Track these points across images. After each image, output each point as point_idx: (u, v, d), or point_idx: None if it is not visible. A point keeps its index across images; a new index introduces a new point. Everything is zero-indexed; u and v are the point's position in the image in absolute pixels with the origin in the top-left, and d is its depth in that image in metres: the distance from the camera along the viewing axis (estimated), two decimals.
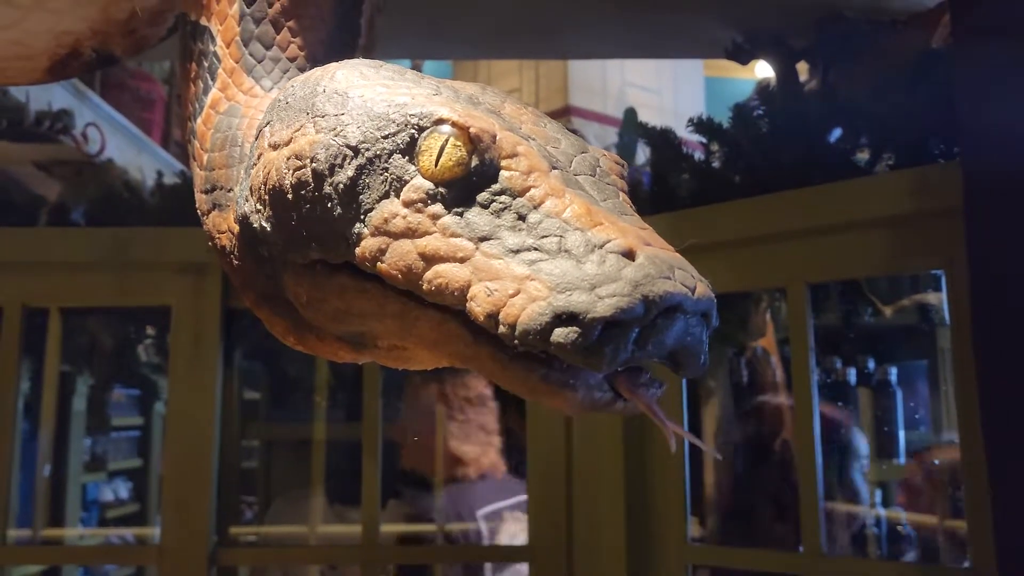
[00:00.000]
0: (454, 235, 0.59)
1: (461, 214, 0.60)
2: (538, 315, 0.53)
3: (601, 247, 0.55)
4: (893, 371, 2.42)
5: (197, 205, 0.86)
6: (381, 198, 0.62)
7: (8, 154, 2.75)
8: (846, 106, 1.78)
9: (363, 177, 0.63)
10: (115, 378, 2.63)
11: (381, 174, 0.62)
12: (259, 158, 0.70)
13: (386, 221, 0.61)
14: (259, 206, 0.69)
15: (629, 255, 0.55)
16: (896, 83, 1.73)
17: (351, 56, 0.83)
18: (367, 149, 0.63)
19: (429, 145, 0.61)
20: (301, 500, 2.43)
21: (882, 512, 2.38)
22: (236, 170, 0.79)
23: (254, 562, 2.24)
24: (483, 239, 0.58)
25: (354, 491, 1.98)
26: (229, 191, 0.80)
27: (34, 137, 2.75)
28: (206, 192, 0.83)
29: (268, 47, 0.86)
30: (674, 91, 5.19)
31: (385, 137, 0.62)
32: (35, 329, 1.90)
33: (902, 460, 2.38)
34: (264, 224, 0.69)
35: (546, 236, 0.57)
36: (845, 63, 1.97)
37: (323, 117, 0.66)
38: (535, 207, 0.59)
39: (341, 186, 0.63)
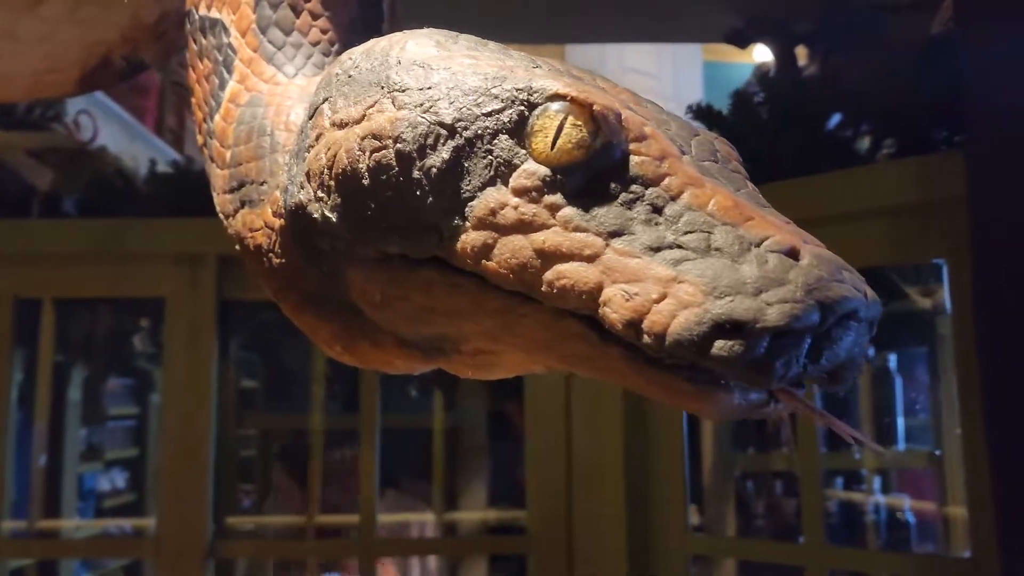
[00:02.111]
0: (578, 229, 0.51)
1: (584, 205, 0.52)
2: (694, 324, 0.47)
3: (758, 245, 0.49)
4: (892, 358, 2.41)
5: (219, 208, 0.79)
6: (485, 185, 0.54)
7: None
8: (847, 92, 1.76)
9: (462, 160, 0.54)
10: (111, 367, 2.62)
11: (484, 157, 0.54)
12: (318, 139, 0.62)
13: (493, 212, 0.53)
14: (321, 193, 0.61)
15: (792, 254, 0.48)
16: (898, 69, 1.71)
17: (377, 27, 0.78)
18: (464, 128, 0.55)
19: (543, 124, 0.53)
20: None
21: (882, 499, 2.38)
22: (268, 160, 0.73)
23: (252, 553, 2.24)
24: (613, 234, 0.51)
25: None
26: (262, 184, 0.73)
27: (26, 125, 2.72)
28: (231, 191, 0.77)
29: (288, 33, 0.81)
30: (673, 76, 5.16)
31: (488, 115, 0.54)
32: (29, 320, 1.88)
33: (902, 447, 2.37)
34: (328, 213, 0.60)
35: (690, 232, 0.50)
36: (846, 48, 1.95)
37: (404, 92, 0.57)
38: (672, 198, 0.51)
39: (434, 170, 0.55)
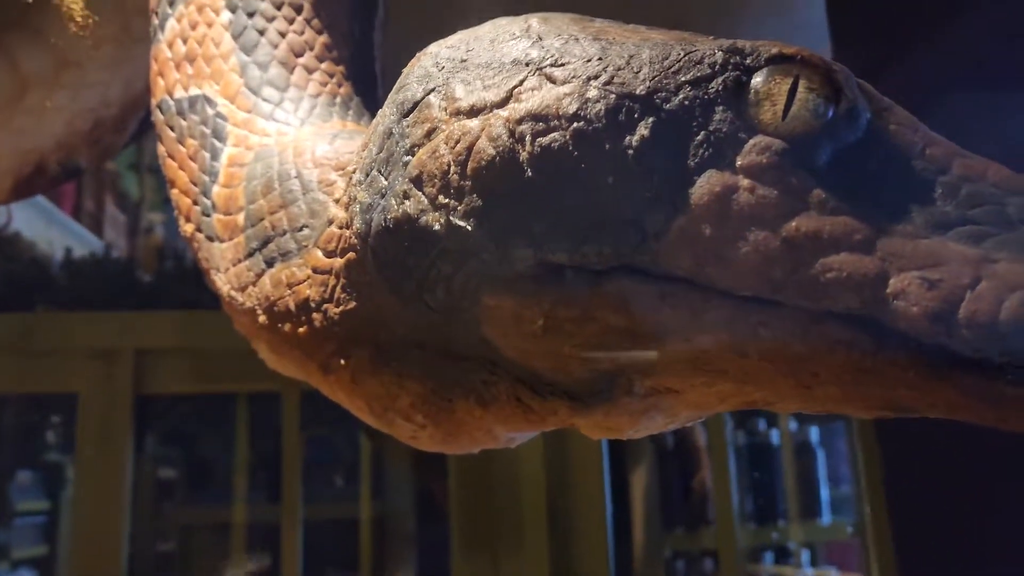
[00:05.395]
0: (837, 211, 0.44)
1: (836, 183, 0.44)
2: None
3: None
4: (814, 431, 2.48)
5: (231, 285, 0.69)
6: (702, 166, 0.45)
7: None
8: None
9: (667, 139, 0.46)
10: (19, 463, 2.51)
11: (697, 133, 0.46)
12: (429, 135, 0.51)
13: (719, 198, 0.45)
14: (445, 198, 0.50)
15: None
16: None
17: (373, 85, 0.69)
18: (664, 100, 0.46)
19: (770, 90, 0.45)
20: None
21: (809, 572, 2.41)
22: (302, 202, 0.65)
23: None
24: (883, 215, 0.43)
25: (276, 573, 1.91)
26: (300, 230, 0.64)
27: None
28: (249, 255, 0.67)
29: (283, 89, 0.74)
30: None
31: (693, 83, 0.46)
32: None
33: (827, 520, 2.42)
34: (459, 221, 0.49)
35: (978, 205, 0.43)
36: None
37: (562, 66, 0.48)
38: (940, 171, 0.45)
39: (630, 153, 0.46)
